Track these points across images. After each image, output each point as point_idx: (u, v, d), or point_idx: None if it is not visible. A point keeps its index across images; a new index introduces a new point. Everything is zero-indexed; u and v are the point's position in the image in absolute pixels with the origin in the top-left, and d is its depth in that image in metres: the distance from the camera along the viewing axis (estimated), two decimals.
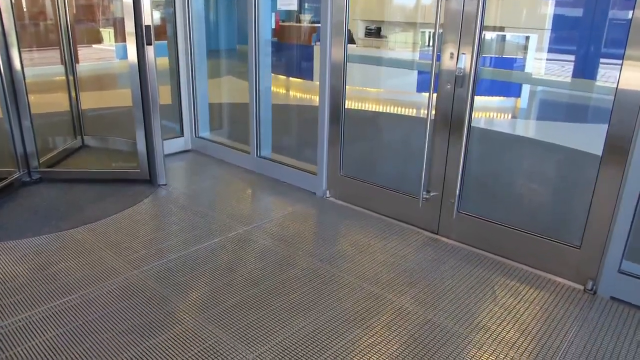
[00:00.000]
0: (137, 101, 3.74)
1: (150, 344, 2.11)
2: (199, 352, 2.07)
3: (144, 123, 3.79)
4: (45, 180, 3.92)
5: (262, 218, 3.37)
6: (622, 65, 2.33)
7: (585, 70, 3.05)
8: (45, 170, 4.00)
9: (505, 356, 2.10)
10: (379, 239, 3.09)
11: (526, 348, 2.15)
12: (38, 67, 4.41)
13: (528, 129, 3.65)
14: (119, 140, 4.62)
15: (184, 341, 2.13)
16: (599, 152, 2.49)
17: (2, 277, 2.59)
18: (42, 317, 2.27)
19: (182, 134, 4.82)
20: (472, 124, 2.93)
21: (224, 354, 2.06)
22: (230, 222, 3.29)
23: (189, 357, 2.04)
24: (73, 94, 4.55)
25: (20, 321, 2.23)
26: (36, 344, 2.09)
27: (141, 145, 3.87)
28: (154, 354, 2.05)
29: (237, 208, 3.53)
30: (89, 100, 4.72)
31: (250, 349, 2.09)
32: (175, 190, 3.84)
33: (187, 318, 2.29)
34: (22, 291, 2.46)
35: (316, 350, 2.09)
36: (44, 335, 2.15)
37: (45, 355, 2.02)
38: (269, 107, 4.29)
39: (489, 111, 3.61)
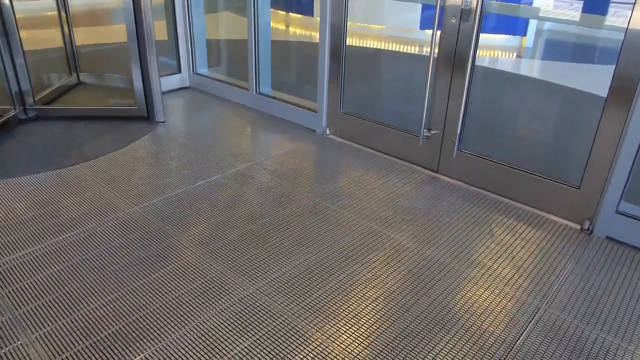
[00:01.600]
0: (132, 37, 3.64)
1: (152, 278, 2.14)
2: (199, 285, 2.11)
3: (140, 59, 3.71)
4: (42, 118, 3.87)
5: (261, 155, 3.36)
6: (634, 3, 2.24)
7: (596, 6, 2.95)
8: (42, 107, 3.95)
9: (500, 292, 2.14)
10: (379, 177, 3.10)
11: (521, 284, 2.19)
12: (28, 1, 4.26)
13: (533, 68, 3.57)
14: (115, 77, 4.54)
15: (184, 275, 2.17)
16: (604, 94, 2.44)
17: (3, 214, 2.60)
18: (45, 252, 2.30)
19: (179, 71, 4.73)
20: (476, 63, 2.86)
21: (225, 287, 2.10)
22: (230, 159, 3.28)
23: (190, 290, 2.08)
24: (66, 30, 4.42)
25: (23, 256, 2.26)
26: (39, 278, 2.13)
27: (137, 82, 3.80)
28: (156, 287, 2.09)
29: (236, 145, 3.51)
30: (83, 36, 4.60)
31: (250, 282, 2.13)
32: (174, 127, 3.80)
33: (188, 252, 2.32)
34: (24, 228, 2.48)
35: (315, 284, 2.14)
36: (46, 270, 2.18)
37: (48, 290, 2.07)
38: (268, 43, 4.18)
39: (493, 50, 3.52)
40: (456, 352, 1.82)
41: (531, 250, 2.44)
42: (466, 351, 1.83)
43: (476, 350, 1.84)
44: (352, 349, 1.83)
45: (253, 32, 4.03)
